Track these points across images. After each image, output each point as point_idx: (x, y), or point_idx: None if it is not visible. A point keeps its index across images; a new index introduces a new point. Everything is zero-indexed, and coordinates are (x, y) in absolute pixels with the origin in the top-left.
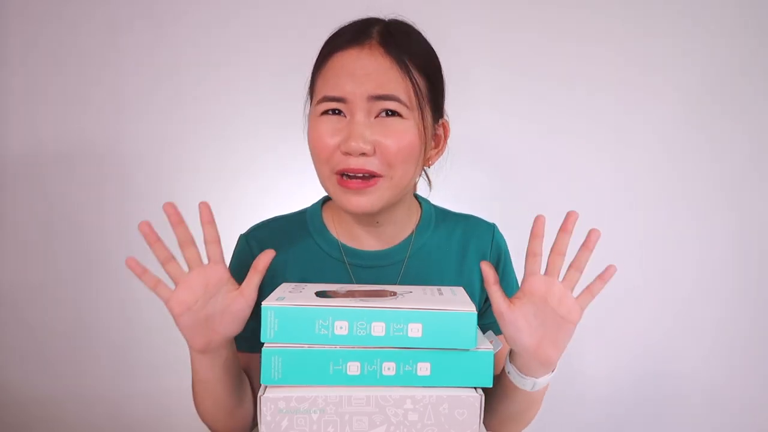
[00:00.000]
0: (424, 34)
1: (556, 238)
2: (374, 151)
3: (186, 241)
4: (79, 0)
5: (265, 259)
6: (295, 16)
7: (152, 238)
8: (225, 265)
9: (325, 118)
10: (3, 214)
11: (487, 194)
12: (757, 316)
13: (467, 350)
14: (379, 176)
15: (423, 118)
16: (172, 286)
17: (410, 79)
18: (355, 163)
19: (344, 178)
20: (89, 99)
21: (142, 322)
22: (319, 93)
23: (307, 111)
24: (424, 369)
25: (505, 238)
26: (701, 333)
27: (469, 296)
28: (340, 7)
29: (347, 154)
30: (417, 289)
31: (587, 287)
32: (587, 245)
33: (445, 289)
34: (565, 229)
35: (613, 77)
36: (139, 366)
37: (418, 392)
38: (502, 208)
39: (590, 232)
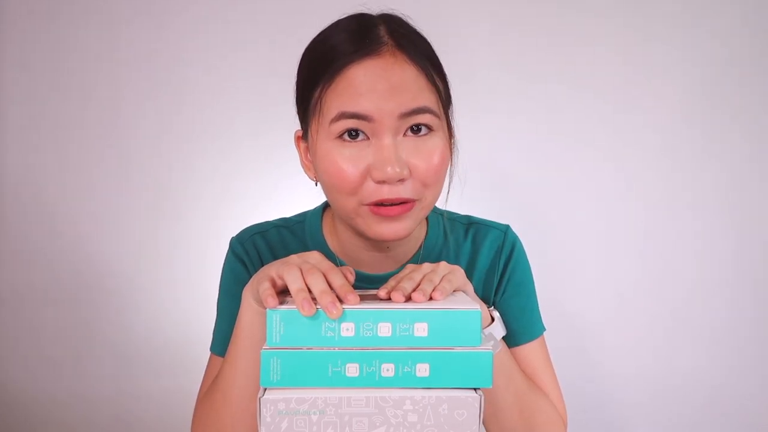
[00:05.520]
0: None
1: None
2: (409, 174)
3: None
4: (78, 0)
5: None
6: (296, 15)
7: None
8: None
9: (342, 143)
10: (4, 215)
11: (488, 196)
12: (757, 316)
13: (468, 351)
14: (414, 201)
15: (448, 126)
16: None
17: (434, 85)
18: (390, 193)
19: (379, 206)
20: (89, 100)
21: (143, 322)
22: (334, 109)
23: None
24: (423, 370)
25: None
26: (701, 332)
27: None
28: (343, 5)
29: (381, 182)
30: None
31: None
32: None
33: None
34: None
35: (614, 78)
36: (141, 366)
37: (418, 393)
38: (503, 210)
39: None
